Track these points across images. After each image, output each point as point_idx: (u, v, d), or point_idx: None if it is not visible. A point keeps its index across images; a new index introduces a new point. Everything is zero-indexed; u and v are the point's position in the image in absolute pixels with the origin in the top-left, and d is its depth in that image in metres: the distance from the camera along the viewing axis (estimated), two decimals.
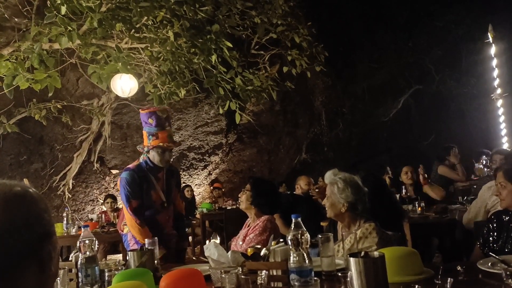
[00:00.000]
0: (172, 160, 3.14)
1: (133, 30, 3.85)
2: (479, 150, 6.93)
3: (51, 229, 0.84)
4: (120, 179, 2.90)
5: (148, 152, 2.87)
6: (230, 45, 4.31)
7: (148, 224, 2.83)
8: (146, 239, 2.22)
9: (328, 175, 2.38)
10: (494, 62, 7.01)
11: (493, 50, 6.97)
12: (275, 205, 2.85)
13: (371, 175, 3.14)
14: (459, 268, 1.62)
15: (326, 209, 2.26)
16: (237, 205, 6.27)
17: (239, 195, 2.95)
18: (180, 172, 6.11)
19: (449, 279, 1.35)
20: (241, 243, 2.66)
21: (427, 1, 9.78)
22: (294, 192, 5.07)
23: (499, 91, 7.04)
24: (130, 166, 2.95)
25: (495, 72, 7.02)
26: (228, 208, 5.99)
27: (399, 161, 5.79)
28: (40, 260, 0.80)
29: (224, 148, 8.29)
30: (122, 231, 2.96)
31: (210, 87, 4.39)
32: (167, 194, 2.97)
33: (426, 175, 4.54)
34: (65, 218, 4.37)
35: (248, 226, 2.79)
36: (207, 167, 8.14)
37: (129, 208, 2.80)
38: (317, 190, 5.22)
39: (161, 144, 2.82)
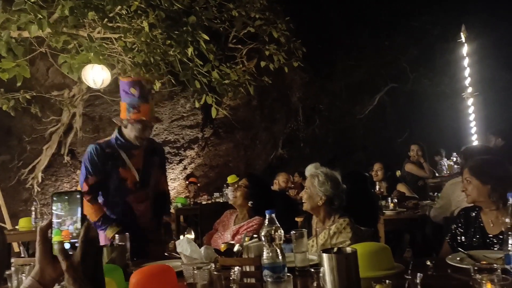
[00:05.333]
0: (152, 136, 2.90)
1: (106, 19, 3.74)
2: (437, 149, 7.57)
3: None
4: (85, 153, 2.67)
5: (125, 126, 2.60)
6: (207, 38, 4.25)
7: (118, 208, 2.63)
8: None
9: (310, 168, 2.42)
10: (466, 61, 7.18)
11: (465, 49, 7.14)
12: (268, 207, 2.79)
13: (355, 171, 3.23)
14: (428, 263, 1.64)
15: (303, 201, 2.27)
16: (212, 200, 6.26)
17: (232, 189, 2.81)
18: None
19: (418, 274, 1.37)
20: (229, 238, 2.59)
21: (406, 1, 9.91)
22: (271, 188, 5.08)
23: (470, 90, 7.22)
24: (99, 140, 2.73)
25: (467, 71, 7.18)
26: (203, 203, 5.94)
27: (374, 158, 5.86)
28: None
29: (200, 143, 8.20)
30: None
31: (186, 80, 4.32)
32: (144, 173, 2.69)
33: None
34: (33, 212, 4.22)
35: (240, 224, 2.68)
36: (183, 162, 8.05)
37: (84, 184, 2.56)
38: (292, 186, 5.24)
39: (143, 118, 2.55)
